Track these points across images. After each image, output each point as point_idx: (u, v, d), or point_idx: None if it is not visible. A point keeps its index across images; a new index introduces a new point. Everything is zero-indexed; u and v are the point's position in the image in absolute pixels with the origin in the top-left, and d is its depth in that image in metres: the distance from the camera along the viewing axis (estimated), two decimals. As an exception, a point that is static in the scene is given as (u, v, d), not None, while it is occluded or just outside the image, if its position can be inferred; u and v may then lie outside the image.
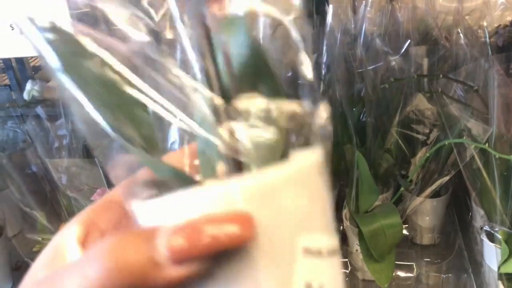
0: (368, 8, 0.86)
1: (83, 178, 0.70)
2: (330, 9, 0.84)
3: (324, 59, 0.78)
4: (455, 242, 0.75)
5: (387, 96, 0.64)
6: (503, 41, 0.83)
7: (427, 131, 0.62)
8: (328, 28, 0.80)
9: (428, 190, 0.66)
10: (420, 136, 0.62)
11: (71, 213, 0.73)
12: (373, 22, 0.93)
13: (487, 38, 0.80)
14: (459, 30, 0.73)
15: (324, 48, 0.78)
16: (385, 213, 0.65)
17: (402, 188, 0.68)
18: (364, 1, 0.83)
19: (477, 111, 0.58)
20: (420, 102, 0.61)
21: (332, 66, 0.73)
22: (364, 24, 0.83)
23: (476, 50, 0.69)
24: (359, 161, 0.65)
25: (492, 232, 0.60)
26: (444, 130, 0.59)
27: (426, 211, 0.76)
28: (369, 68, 0.70)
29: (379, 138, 0.69)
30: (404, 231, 0.77)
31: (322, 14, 0.98)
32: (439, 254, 0.75)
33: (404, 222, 0.78)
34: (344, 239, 0.72)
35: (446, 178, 0.63)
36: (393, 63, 0.66)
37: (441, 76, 0.59)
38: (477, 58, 0.64)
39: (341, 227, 0.71)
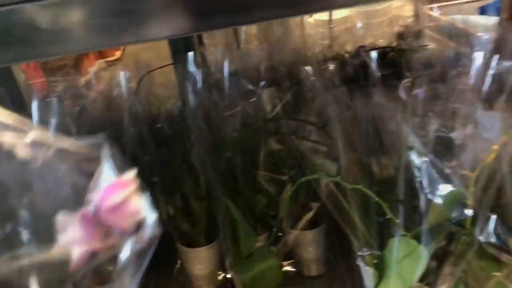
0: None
1: None
2: (190, 56, 0.84)
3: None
4: (339, 270, 0.77)
5: (248, 141, 0.65)
6: (354, 68, 0.88)
7: (288, 170, 0.64)
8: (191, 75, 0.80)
9: (300, 225, 0.68)
10: (283, 177, 0.64)
11: None
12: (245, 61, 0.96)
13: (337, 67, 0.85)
14: (308, 67, 0.76)
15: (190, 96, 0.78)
16: (262, 256, 0.65)
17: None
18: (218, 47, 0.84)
19: (328, 146, 0.60)
20: (273, 144, 0.62)
21: (197, 113, 0.73)
22: (226, 67, 0.84)
23: (324, 84, 0.72)
24: (231, 208, 0.65)
25: (364, 256, 0.62)
26: (301, 168, 0.60)
27: (307, 243, 0.77)
28: (227, 113, 0.70)
29: (250, 182, 0.69)
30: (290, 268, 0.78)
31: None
32: (326, 284, 0.77)
33: (291, 257, 0.79)
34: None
35: (311, 213, 0.64)
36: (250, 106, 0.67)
37: (287, 118, 0.61)
38: (324, 93, 0.67)
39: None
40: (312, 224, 0.76)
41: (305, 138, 0.60)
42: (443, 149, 0.59)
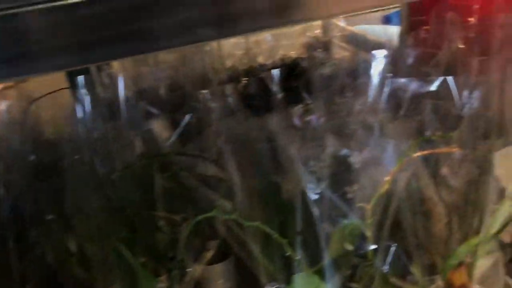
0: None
1: None
2: (80, 80, 0.78)
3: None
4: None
5: (137, 177, 0.59)
6: (256, 89, 0.85)
7: (184, 208, 0.59)
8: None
9: (202, 261, 0.63)
10: (177, 216, 0.59)
11: None
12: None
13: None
14: (205, 91, 0.72)
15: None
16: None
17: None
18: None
19: (224, 180, 0.56)
20: (164, 181, 0.57)
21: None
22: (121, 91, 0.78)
23: (222, 109, 0.68)
24: (125, 251, 0.60)
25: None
26: (198, 206, 0.56)
27: (215, 277, 0.73)
28: (119, 145, 0.65)
29: (146, 221, 0.63)
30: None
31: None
32: (238, 319, 0.72)
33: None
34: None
35: (211, 252, 0.60)
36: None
37: (174, 153, 0.56)
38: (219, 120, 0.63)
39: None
40: (221, 257, 0.71)
41: (196, 174, 0.56)
42: (342, 175, 0.57)
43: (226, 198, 0.55)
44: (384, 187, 0.44)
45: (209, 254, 0.62)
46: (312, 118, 0.57)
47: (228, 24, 0.30)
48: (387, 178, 0.43)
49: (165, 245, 0.61)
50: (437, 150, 0.47)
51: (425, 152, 0.43)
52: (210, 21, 0.30)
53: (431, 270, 0.54)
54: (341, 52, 1.31)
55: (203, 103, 0.72)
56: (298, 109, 0.59)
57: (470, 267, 0.51)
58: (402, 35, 1.12)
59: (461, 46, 0.77)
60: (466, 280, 0.56)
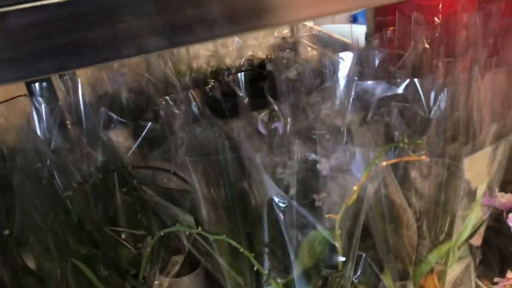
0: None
1: None
2: (36, 87, 0.74)
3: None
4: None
5: (95, 192, 0.56)
6: (223, 91, 0.83)
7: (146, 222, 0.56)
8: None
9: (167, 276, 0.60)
10: (138, 232, 0.56)
11: None
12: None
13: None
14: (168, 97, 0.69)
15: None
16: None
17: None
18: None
19: (187, 192, 0.53)
20: (122, 196, 0.54)
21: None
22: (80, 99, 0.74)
23: (185, 116, 0.66)
24: (83, 269, 0.56)
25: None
26: (160, 221, 0.53)
27: (185, 289, 0.70)
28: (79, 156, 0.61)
29: (108, 237, 0.60)
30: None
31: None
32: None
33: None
34: None
35: (176, 267, 0.57)
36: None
37: (131, 166, 0.53)
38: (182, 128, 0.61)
39: None
40: (190, 268, 0.69)
41: (158, 187, 0.53)
42: (309, 182, 0.55)
43: (191, 211, 0.53)
44: (352, 197, 0.43)
45: (175, 268, 0.59)
46: (277, 124, 0.55)
47: (181, 32, 0.28)
48: (354, 188, 0.42)
49: (128, 261, 0.58)
50: (405, 158, 0.46)
51: (393, 160, 0.42)
52: (162, 30, 0.28)
53: (402, 277, 0.53)
54: (309, 52, 1.30)
55: (166, 109, 0.69)
56: (263, 115, 0.57)
57: (442, 273, 0.50)
58: (368, 35, 1.12)
59: (427, 46, 0.76)
60: (437, 286, 0.55)
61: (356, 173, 0.48)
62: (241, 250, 0.48)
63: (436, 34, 0.79)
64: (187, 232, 0.50)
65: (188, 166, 0.52)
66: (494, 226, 0.57)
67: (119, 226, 0.56)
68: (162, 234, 0.51)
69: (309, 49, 1.30)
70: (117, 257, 0.59)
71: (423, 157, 0.41)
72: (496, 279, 0.60)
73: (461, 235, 0.49)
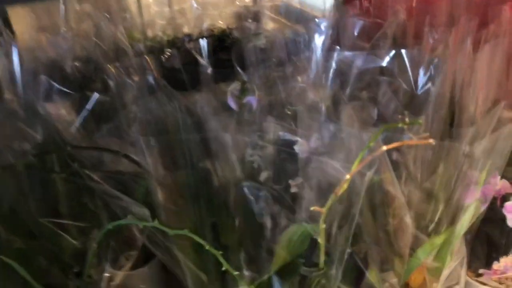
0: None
1: None
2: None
3: None
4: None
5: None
6: (181, 62, 0.74)
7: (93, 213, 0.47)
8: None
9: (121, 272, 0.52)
10: (83, 224, 0.47)
11: None
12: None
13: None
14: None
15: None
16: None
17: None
18: None
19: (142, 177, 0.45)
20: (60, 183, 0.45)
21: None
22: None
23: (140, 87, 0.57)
24: (16, 268, 0.47)
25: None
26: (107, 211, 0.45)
27: (139, 282, 0.62)
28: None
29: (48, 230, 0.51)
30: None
31: None
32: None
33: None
34: None
35: (128, 264, 0.49)
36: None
37: (71, 147, 0.44)
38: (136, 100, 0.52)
39: None
40: (145, 259, 0.61)
41: (107, 171, 0.44)
42: (285, 167, 0.48)
43: (146, 200, 0.44)
44: (343, 187, 0.36)
45: (128, 264, 0.51)
46: (250, 99, 0.47)
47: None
48: (347, 176, 0.35)
49: (71, 258, 0.49)
50: (409, 141, 0.39)
51: (395, 144, 0.35)
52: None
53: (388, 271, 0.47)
54: (272, 24, 1.21)
55: (116, 78, 0.60)
56: (233, 88, 0.49)
57: (435, 270, 0.44)
58: (338, 5, 1.04)
59: (405, 16, 0.69)
60: (423, 280, 0.50)
61: (340, 155, 0.41)
62: (207, 247, 0.40)
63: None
64: (141, 226, 0.42)
65: (142, 146, 0.43)
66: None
67: (61, 216, 0.46)
68: (111, 227, 0.43)
69: (273, 20, 1.21)
70: (58, 253, 0.50)
71: (430, 140, 0.34)
72: (481, 271, 0.56)
73: (460, 227, 0.43)
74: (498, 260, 0.55)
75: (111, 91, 0.59)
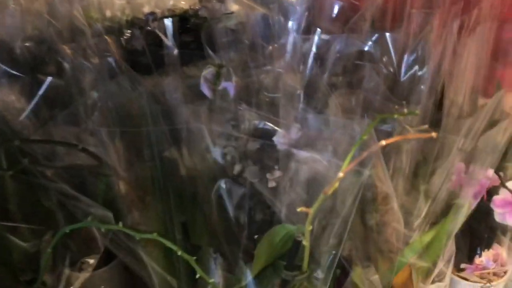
0: None
1: None
2: None
3: None
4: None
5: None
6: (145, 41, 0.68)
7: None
8: None
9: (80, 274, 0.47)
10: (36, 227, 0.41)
11: None
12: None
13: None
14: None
15: None
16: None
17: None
18: None
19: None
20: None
21: None
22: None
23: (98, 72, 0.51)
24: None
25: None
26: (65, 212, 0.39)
27: (99, 283, 0.57)
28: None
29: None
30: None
31: None
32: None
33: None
34: None
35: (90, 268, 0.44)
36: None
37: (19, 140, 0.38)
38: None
39: None
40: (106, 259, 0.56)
41: (62, 167, 0.39)
42: (263, 160, 0.44)
43: (108, 198, 0.39)
44: (334, 186, 0.32)
45: (88, 268, 0.46)
46: (226, 85, 0.42)
47: None
48: (340, 175, 0.31)
49: (21, 264, 0.43)
50: (409, 135, 0.35)
51: (395, 138, 0.31)
52: None
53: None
54: (237, 5, 1.15)
55: (73, 60, 0.54)
56: (206, 72, 0.44)
57: (426, 269, 0.42)
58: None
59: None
60: (407, 278, 0.47)
61: (328, 152, 0.37)
62: (179, 253, 0.36)
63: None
64: (102, 229, 0.37)
65: (102, 137, 0.38)
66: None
67: (10, 217, 0.41)
68: (68, 231, 0.37)
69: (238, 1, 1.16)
70: (6, 258, 0.44)
71: (433, 133, 0.31)
72: (463, 265, 0.54)
73: (453, 225, 0.40)
74: (480, 254, 0.53)
75: (67, 75, 0.53)
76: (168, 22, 0.65)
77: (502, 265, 0.53)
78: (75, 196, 0.36)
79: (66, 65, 0.53)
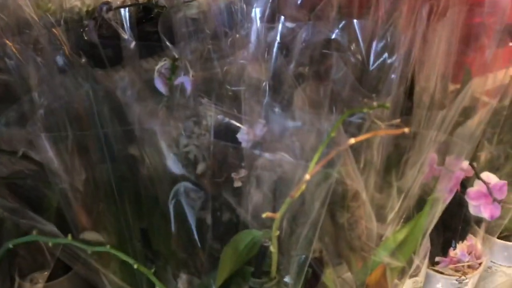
0: None
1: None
2: None
3: None
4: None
5: None
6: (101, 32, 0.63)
7: None
8: None
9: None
10: None
11: None
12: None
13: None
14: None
15: None
16: None
17: None
18: None
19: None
20: None
21: None
22: None
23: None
24: None
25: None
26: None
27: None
28: None
29: None
30: None
31: None
32: None
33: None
34: None
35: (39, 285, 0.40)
36: None
37: None
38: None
39: None
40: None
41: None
42: (225, 158, 0.41)
43: (58, 209, 0.36)
44: (301, 188, 0.29)
45: (41, 279, 0.42)
46: (182, 79, 0.39)
47: None
48: (307, 177, 0.28)
49: None
50: (380, 132, 0.33)
51: (367, 135, 0.29)
52: None
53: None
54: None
55: (19, 54, 0.50)
56: (161, 66, 0.40)
57: (400, 268, 0.40)
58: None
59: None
60: (381, 277, 0.45)
61: (295, 149, 0.34)
62: (136, 266, 0.32)
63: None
64: (50, 244, 0.33)
65: (43, 143, 0.34)
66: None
67: None
68: (11, 246, 0.34)
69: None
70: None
71: (405, 129, 0.28)
72: (437, 259, 0.52)
73: (428, 221, 0.38)
74: (455, 247, 0.52)
75: (11, 71, 0.49)
76: (124, 12, 0.61)
77: (476, 257, 0.52)
78: (15, 209, 0.33)
79: (10, 61, 0.48)
